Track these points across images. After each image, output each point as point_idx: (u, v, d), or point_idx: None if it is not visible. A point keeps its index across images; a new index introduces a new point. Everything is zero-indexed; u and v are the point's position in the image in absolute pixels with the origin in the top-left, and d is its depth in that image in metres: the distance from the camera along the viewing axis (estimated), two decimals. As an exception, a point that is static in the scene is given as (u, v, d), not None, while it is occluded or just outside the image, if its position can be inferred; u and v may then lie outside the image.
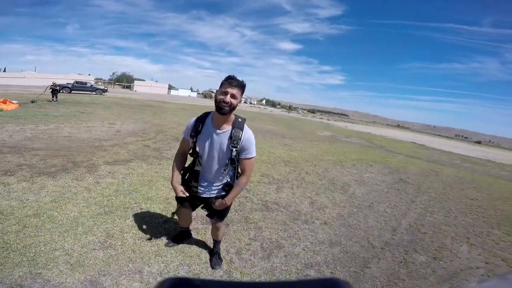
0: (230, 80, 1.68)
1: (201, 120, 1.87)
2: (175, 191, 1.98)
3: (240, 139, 1.79)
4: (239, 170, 1.95)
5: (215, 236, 2.34)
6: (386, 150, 12.90)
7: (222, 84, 1.72)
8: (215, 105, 1.72)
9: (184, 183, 2.04)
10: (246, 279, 2.22)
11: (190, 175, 2.01)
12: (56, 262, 2.04)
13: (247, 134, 1.83)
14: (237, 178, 1.95)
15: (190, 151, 1.97)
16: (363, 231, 3.41)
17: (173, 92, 61.07)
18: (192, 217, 2.62)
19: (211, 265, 2.29)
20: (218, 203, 1.95)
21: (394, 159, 10.02)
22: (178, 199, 2.11)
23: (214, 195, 2.01)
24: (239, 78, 1.72)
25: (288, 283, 0.37)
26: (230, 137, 1.79)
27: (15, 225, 2.43)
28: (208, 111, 1.92)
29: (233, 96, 1.68)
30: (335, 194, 4.69)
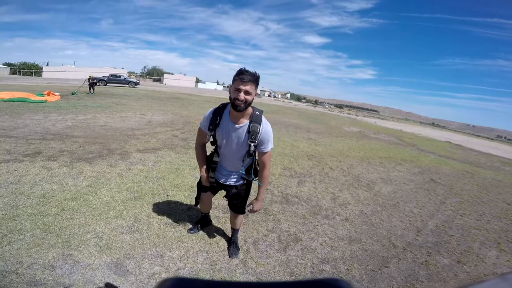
0: (241, 76, 1.62)
1: (219, 112, 1.85)
2: (203, 179, 2.07)
3: (258, 133, 1.77)
4: (257, 163, 1.99)
5: (233, 225, 2.42)
6: (417, 149, 12.25)
7: (234, 81, 1.66)
8: (231, 103, 1.71)
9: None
10: (260, 269, 2.28)
11: (210, 165, 2.06)
12: (87, 245, 2.21)
13: (265, 128, 1.80)
14: (254, 171, 2.00)
15: (211, 141, 1.99)
16: (385, 230, 3.32)
17: (200, 85, 62.36)
18: (214, 206, 2.72)
19: (228, 254, 2.38)
20: (251, 209, 2.07)
21: (426, 159, 9.50)
22: (200, 187, 2.22)
23: (234, 183, 2.07)
24: (254, 70, 1.66)
25: (288, 283, 0.41)
26: (248, 131, 1.78)
27: (55, 208, 2.67)
28: (225, 102, 1.88)
29: (246, 92, 1.63)
30: (359, 191, 4.60)
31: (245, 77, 1.61)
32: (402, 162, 7.86)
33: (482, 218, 4.29)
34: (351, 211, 3.73)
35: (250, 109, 1.79)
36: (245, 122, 1.79)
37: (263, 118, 1.82)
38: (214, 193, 2.28)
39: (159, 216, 2.79)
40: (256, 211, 2.08)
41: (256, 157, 1.95)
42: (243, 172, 2.00)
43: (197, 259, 2.27)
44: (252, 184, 2.19)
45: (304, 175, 5.03)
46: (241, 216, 2.33)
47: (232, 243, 2.46)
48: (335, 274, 2.37)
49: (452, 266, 2.77)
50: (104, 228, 2.46)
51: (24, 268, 1.87)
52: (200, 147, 2.07)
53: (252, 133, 1.76)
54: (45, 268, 1.91)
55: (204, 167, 2.05)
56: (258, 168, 2.03)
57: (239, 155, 1.90)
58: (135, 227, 2.55)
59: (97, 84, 20.46)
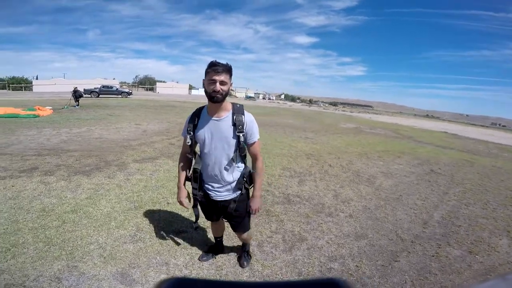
0: (214, 67, 1.57)
1: (197, 114, 1.79)
2: (178, 194, 1.97)
3: (244, 123, 1.71)
4: (248, 157, 1.87)
5: (244, 240, 2.22)
6: (414, 141, 12.30)
7: (207, 73, 1.60)
8: (207, 96, 1.64)
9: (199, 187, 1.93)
10: (267, 271, 2.23)
11: (196, 178, 1.89)
12: (91, 256, 2.19)
13: (249, 117, 1.75)
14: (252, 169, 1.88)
15: (189, 151, 1.84)
16: (391, 224, 3.29)
17: (193, 92, 62.17)
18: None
19: (239, 264, 2.25)
20: (253, 207, 1.88)
21: (424, 150, 9.53)
22: (205, 214, 2.07)
23: (231, 197, 1.86)
24: (225, 62, 1.61)
25: (287, 283, 0.38)
26: (234, 124, 1.69)
27: (56, 221, 2.65)
28: (202, 105, 1.83)
29: (222, 82, 1.58)
30: (360, 187, 4.57)
31: (218, 68, 1.57)
32: (400, 155, 7.86)
33: (488, 206, 4.27)
34: (354, 207, 3.70)
35: (229, 104, 1.73)
36: (226, 115, 1.71)
37: (245, 110, 1.77)
38: (219, 216, 2.03)
39: (161, 224, 2.75)
40: (256, 210, 1.90)
41: (248, 152, 1.84)
42: (244, 165, 1.86)
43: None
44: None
45: (304, 174, 5.00)
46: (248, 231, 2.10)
47: (243, 252, 2.29)
48: (344, 271, 2.33)
49: (464, 257, 2.72)
50: (106, 239, 2.42)
51: (30, 281, 1.86)
52: (182, 157, 1.93)
53: (238, 124, 1.69)
54: (51, 280, 1.90)
55: (182, 179, 1.92)
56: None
57: (229, 153, 1.75)
58: (138, 236, 2.51)
59: (90, 95, 20.30)
